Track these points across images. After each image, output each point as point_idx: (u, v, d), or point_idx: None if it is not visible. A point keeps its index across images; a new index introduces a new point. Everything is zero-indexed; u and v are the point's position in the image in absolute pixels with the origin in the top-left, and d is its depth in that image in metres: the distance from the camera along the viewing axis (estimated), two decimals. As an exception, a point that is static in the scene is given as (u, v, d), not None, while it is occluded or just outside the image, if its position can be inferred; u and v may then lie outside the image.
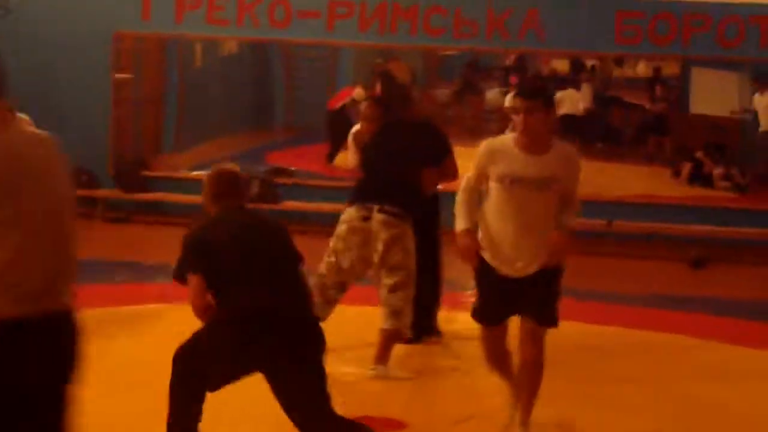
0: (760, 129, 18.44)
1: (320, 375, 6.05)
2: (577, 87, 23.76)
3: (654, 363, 9.12)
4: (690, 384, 8.48)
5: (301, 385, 5.99)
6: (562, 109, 18.88)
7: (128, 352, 8.58)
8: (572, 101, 19.33)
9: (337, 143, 18.32)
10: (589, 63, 24.65)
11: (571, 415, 7.60)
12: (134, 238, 14.51)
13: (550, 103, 7.05)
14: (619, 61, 24.30)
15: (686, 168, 18.59)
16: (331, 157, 18.54)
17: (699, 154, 18.67)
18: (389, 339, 8.37)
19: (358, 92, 18.05)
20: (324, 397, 6.03)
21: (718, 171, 18.27)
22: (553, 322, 6.97)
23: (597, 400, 7.98)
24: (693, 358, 9.38)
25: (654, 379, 8.60)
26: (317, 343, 6.13)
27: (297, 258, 6.34)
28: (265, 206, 15.25)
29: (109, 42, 15.86)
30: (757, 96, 18.59)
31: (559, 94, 19.29)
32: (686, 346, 9.76)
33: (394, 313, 8.35)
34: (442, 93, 23.54)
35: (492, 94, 24.45)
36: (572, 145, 8.47)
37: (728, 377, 8.73)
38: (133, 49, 17.00)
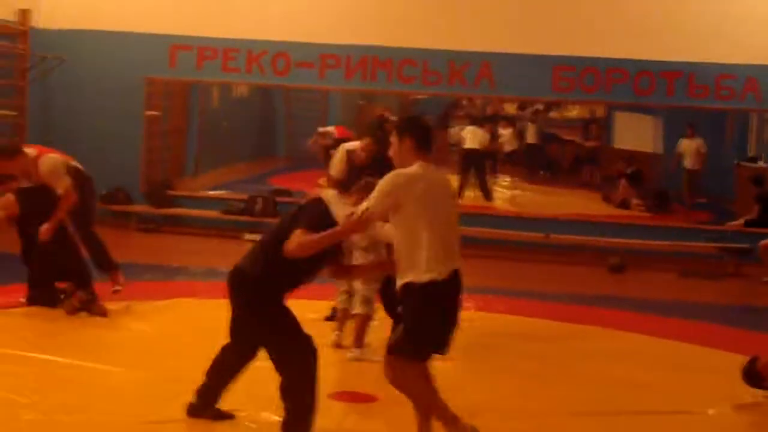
0: (685, 166, 18.65)
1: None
2: (523, 125, 24.02)
3: (575, 347, 9.15)
4: (603, 364, 8.50)
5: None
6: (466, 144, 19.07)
7: (155, 336, 8.62)
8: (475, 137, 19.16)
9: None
10: (534, 107, 24.81)
11: (501, 384, 7.68)
12: (161, 245, 14.50)
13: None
14: (556, 106, 24.38)
15: (616, 196, 18.72)
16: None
17: (623, 183, 18.81)
18: (362, 323, 8.37)
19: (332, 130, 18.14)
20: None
21: (635, 198, 18.55)
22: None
23: (523, 374, 8.03)
24: (608, 344, 9.41)
25: (573, 359, 8.63)
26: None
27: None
28: (269, 219, 15.35)
29: (142, 86, 15.91)
30: (684, 140, 18.62)
31: (464, 130, 19.49)
32: (603, 335, 9.78)
33: (366, 301, 8.40)
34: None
35: (455, 130, 24.59)
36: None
37: (637, 359, 8.71)
38: (162, 92, 17.03)
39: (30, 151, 9.48)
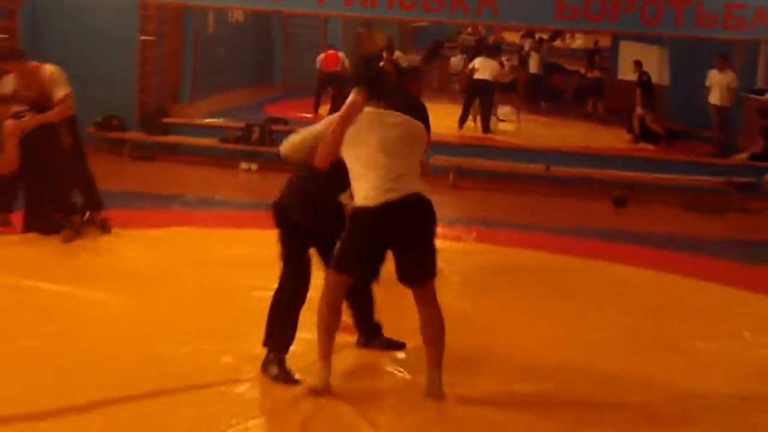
0: (710, 101, 17.25)
1: None
2: (526, 55, 23.90)
3: (577, 280, 9.14)
4: (603, 299, 8.58)
5: None
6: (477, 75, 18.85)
7: (149, 264, 8.66)
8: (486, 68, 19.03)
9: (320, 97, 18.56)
10: (537, 36, 24.70)
11: (503, 318, 7.73)
12: (156, 173, 14.50)
13: None
14: (560, 36, 24.30)
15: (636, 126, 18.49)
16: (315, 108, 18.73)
17: (639, 110, 18.64)
18: None
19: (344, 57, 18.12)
20: None
21: (650, 116, 18.24)
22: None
23: (523, 309, 8.05)
24: (609, 278, 9.43)
25: (573, 293, 8.65)
26: None
27: None
28: (264, 148, 15.35)
29: (135, 9, 15.82)
30: (714, 72, 17.24)
31: (475, 61, 19.32)
32: (605, 268, 9.77)
33: None
34: (414, 58, 23.56)
35: (455, 60, 24.53)
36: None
37: (638, 295, 8.80)
38: (156, 16, 16.94)
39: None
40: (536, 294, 8.50)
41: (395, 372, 6.34)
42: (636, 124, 18.33)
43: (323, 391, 5.85)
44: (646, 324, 7.86)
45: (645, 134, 18.17)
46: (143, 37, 16.15)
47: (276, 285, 6.33)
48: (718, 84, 17.10)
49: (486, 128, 18.62)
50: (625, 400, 6.03)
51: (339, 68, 18.96)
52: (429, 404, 5.78)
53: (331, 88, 18.29)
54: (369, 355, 6.62)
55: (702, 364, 6.96)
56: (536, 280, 9.03)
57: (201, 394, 5.58)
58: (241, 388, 5.77)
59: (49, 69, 9.55)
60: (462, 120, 18.73)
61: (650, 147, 17.64)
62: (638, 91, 18.92)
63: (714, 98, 17.17)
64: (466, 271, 8.93)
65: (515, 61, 23.53)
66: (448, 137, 16.72)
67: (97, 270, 8.28)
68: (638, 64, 18.87)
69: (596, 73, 22.74)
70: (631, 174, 15.02)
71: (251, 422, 5.26)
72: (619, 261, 10.11)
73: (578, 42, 26.35)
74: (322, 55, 19.44)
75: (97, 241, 9.32)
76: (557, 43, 25.78)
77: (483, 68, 18.74)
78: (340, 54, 19.40)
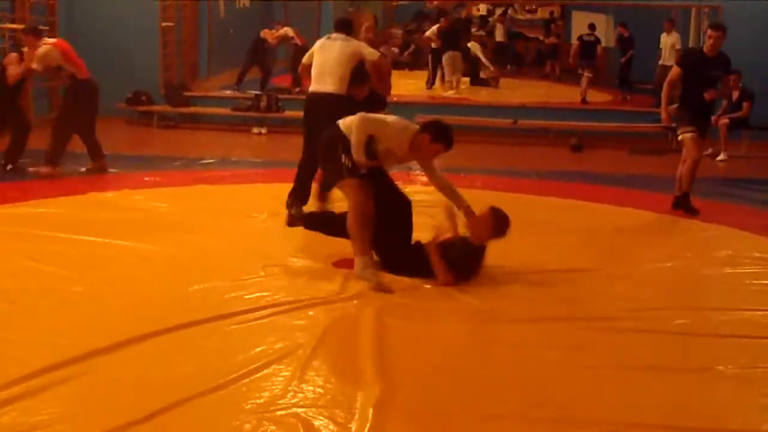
0: (660, 62, 16.84)
1: None
2: (493, 26, 23.75)
3: (547, 216, 9.12)
4: (566, 230, 8.51)
5: None
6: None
7: (179, 217, 8.65)
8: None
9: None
10: (501, 9, 24.56)
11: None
12: (180, 139, 14.47)
13: None
14: (521, 7, 24.15)
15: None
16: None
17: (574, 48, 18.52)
18: None
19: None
20: None
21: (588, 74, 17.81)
22: None
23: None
24: (569, 212, 9.47)
25: (539, 227, 8.50)
26: None
27: None
28: (271, 114, 15.31)
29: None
30: (663, 36, 17.01)
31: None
32: (568, 205, 9.83)
33: None
34: (396, 32, 23.45)
35: (430, 32, 24.35)
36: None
37: (593, 224, 8.82)
38: (174, 5, 16.84)
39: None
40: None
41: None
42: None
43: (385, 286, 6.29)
44: (605, 249, 7.88)
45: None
46: (164, 23, 16.07)
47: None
48: (664, 45, 16.91)
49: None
50: (588, 315, 6.02)
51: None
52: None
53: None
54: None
55: (653, 281, 6.98)
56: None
57: (226, 323, 5.58)
58: (259, 315, 5.75)
59: (42, 48, 10.17)
60: (429, 82, 18.85)
61: (601, 100, 17.57)
62: (575, 47, 18.66)
63: (665, 58, 16.86)
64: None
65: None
66: (425, 98, 16.76)
67: (135, 223, 8.25)
68: (592, 27, 18.51)
69: (552, 39, 22.65)
70: (585, 124, 15.05)
71: (276, 345, 5.24)
72: (577, 198, 10.12)
73: (538, 13, 26.16)
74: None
75: (131, 198, 9.32)
76: (519, 14, 25.60)
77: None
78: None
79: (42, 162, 10.26)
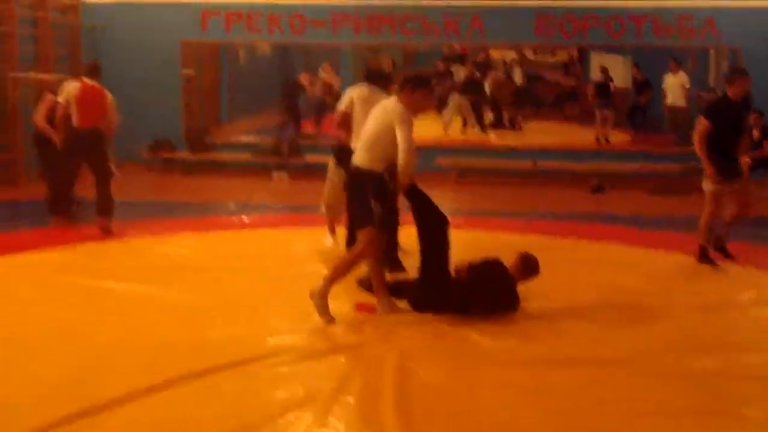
0: (666, 103, 16.83)
1: None
2: (511, 69, 23.79)
3: (567, 255, 9.06)
4: (591, 269, 8.50)
5: None
6: None
7: (198, 261, 8.67)
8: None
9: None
10: (520, 53, 24.57)
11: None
12: (202, 185, 14.53)
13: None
14: (540, 50, 24.17)
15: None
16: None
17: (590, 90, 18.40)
18: None
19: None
20: None
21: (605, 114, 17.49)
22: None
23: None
24: (591, 253, 9.40)
25: (563, 267, 8.36)
26: None
27: None
28: (293, 160, 15.38)
29: (178, 48, 15.89)
30: (668, 76, 16.77)
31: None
32: (587, 245, 9.76)
33: None
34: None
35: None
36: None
37: (616, 265, 8.75)
38: (195, 53, 16.97)
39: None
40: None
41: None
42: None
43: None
44: (627, 289, 7.82)
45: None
46: (185, 71, 16.21)
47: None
48: (671, 86, 16.77)
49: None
50: (609, 357, 5.96)
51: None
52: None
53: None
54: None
55: (676, 322, 6.90)
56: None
57: (248, 368, 5.56)
58: (281, 360, 5.73)
59: (110, 96, 10.01)
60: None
61: (623, 141, 17.49)
62: (591, 89, 18.51)
63: (669, 99, 16.79)
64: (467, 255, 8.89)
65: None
66: (450, 142, 16.86)
67: (154, 268, 8.27)
68: (603, 70, 18.46)
69: (571, 81, 22.67)
70: (605, 165, 15.03)
71: (298, 391, 5.22)
72: (599, 238, 10.06)
73: (556, 55, 26.18)
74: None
75: (153, 244, 9.35)
76: (537, 56, 25.65)
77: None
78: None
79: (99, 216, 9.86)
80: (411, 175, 6.48)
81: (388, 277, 7.19)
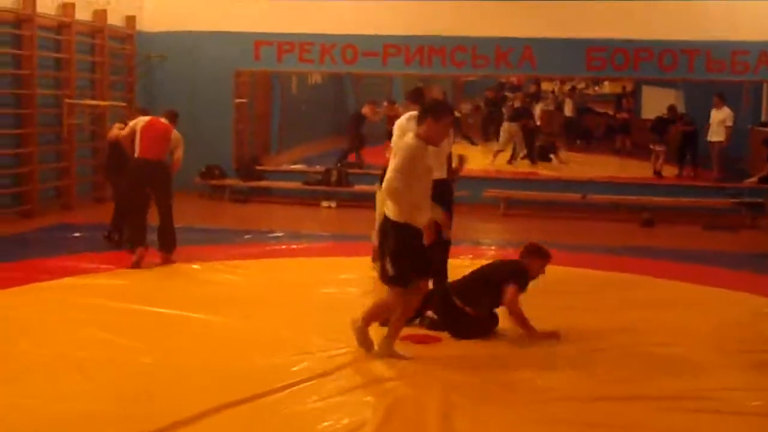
0: (708, 138, 16.59)
1: None
2: (562, 101, 23.72)
3: (615, 293, 8.97)
4: (639, 310, 8.36)
5: None
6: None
7: (248, 290, 8.74)
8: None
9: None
10: (570, 85, 24.50)
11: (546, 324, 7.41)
12: (251, 213, 14.63)
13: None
14: (591, 83, 24.11)
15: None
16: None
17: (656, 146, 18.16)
18: None
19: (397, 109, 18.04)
20: None
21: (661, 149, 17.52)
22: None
23: (568, 321, 7.76)
24: (641, 290, 9.24)
25: (611, 307, 8.41)
26: None
27: None
28: (342, 189, 15.44)
29: (231, 77, 16.08)
30: (713, 111, 16.58)
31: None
32: (638, 282, 9.62)
33: None
34: (465, 107, 23.49)
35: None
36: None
37: (667, 305, 8.62)
38: (248, 82, 17.16)
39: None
40: (575, 305, 8.36)
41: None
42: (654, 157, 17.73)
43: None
44: (673, 324, 7.73)
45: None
46: (238, 100, 16.39)
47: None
48: (714, 121, 16.56)
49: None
50: (656, 393, 5.90)
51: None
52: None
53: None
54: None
55: (724, 359, 6.80)
56: (575, 290, 8.94)
57: (294, 396, 5.58)
58: (326, 391, 5.74)
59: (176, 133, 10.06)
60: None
61: (672, 176, 17.27)
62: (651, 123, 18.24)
63: (711, 134, 16.59)
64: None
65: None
66: (498, 173, 16.81)
67: (203, 295, 8.35)
68: (671, 108, 17.89)
69: (623, 114, 22.51)
70: (656, 199, 14.91)
71: (343, 420, 5.23)
72: (648, 274, 9.94)
73: (607, 88, 26.06)
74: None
75: (201, 271, 9.43)
76: (588, 89, 25.56)
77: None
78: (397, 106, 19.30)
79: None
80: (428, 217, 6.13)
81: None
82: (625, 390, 5.93)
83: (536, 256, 7.23)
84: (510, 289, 6.94)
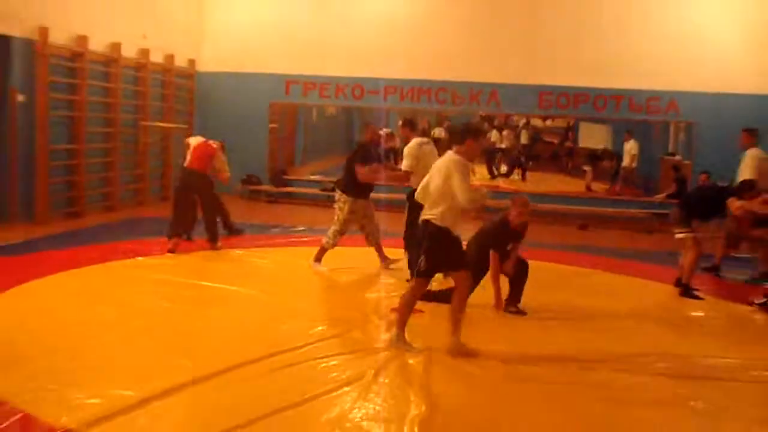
0: (622, 164, 16.58)
1: None
2: (519, 131, 23.66)
3: (556, 279, 8.97)
4: (575, 294, 8.41)
5: None
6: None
7: (276, 269, 8.71)
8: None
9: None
10: (526, 119, 24.43)
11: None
12: (280, 211, 14.61)
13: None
14: (543, 119, 24.04)
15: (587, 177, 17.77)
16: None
17: (586, 167, 18.18)
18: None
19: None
20: None
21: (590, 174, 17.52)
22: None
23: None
24: (579, 277, 9.28)
25: (552, 287, 8.43)
26: None
27: None
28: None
29: (266, 108, 16.06)
30: (625, 143, 16.47)
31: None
32: (575, 271, 9.66)
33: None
34: (439, 130, 23.37)
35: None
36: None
37: (598, 290, 8.69)
38: (279, 111, 17.11)
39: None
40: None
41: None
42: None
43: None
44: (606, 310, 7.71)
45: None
46: (271, 125, 16.37)
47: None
48: (625, 151, 16.66)
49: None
50: (587, 357, 5.89)
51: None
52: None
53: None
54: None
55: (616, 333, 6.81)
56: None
57: (309, 353, 5.56)
58: (335, 351, 5.73)
59: (221, 154, 9.84)
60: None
61: (602, 190, 17.26)
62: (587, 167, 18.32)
63: (625, 161, 16.66)
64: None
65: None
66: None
67: (241, 272, 8.34)
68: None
69: (567, 143, 22.47)
70: (590, 209, 14.90)
71: (346, 372, 5.22)
72: (584, 266, 9.95)
73: (555, 122, 25.95)
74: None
75: (241, 255, 9.41)
76: (540, 122, 25.49)
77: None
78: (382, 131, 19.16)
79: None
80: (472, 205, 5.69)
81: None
82: (561, 352, 5.92)
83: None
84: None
